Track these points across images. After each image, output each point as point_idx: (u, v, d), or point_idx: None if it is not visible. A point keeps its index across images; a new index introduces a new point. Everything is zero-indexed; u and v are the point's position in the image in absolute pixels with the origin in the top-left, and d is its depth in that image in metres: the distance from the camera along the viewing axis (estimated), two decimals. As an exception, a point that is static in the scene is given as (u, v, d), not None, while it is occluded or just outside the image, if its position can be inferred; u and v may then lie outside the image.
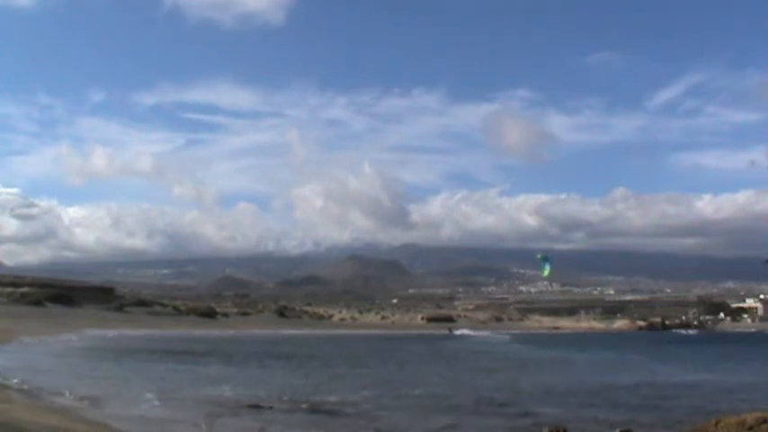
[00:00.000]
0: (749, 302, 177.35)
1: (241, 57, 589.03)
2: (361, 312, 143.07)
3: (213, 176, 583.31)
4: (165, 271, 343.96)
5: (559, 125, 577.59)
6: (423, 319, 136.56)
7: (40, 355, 38.70)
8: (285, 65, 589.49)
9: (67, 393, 21.12)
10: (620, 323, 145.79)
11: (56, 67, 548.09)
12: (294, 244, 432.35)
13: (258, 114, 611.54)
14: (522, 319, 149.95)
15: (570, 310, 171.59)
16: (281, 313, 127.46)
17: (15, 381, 23.20)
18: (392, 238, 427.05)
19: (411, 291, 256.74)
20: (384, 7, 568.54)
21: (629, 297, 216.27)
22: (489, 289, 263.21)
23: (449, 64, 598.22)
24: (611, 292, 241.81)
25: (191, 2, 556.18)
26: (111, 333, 65.97)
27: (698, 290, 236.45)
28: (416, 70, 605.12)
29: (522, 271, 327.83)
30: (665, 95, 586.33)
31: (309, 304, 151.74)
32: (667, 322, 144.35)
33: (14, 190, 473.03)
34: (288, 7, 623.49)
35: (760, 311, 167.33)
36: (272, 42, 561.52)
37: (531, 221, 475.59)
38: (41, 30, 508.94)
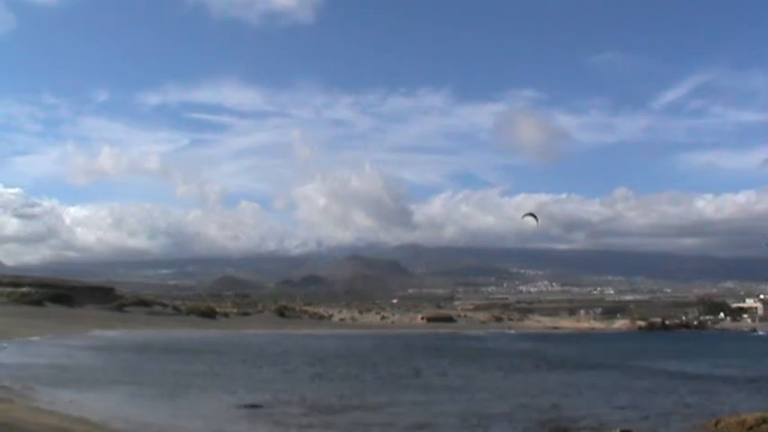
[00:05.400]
0: (749, 302, 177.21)
1: (247, 56, 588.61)
2: (360, 312, 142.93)
3: (217, 176, 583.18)
4: (165, 271, 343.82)
5: (565, 125, 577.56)
6: (423, 319, 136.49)
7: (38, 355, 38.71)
8: (291, 64, 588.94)
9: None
10: (620, 323, 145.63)
11: (60, 67, 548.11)
12: (296, 244, 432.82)
13: (263, 114, 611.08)
14: (521, 319, 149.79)
15: (570, 310, 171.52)
16: (281, 313, 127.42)
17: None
18: (394, 238, 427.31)
19: (411, 291, 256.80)
20: (389, 7, 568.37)
21: (629, 297, 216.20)
22: (489, 289, 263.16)
23: (454, 64, 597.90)
24: (611, 292, 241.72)
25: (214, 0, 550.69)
26: (111, 333, 65.97)
27: (698, 290, 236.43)
28: (422, 70, 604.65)
29: (522, 271, 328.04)
30: (670, 95, 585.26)
31: (309, 304, 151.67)
32: (667, 322, 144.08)
33: (16, 190, 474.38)
34: (317, 7, 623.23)
35: (760, 311, 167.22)
36: (280, 42, 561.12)
37: (532, 221, 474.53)
38: (45, 29, 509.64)
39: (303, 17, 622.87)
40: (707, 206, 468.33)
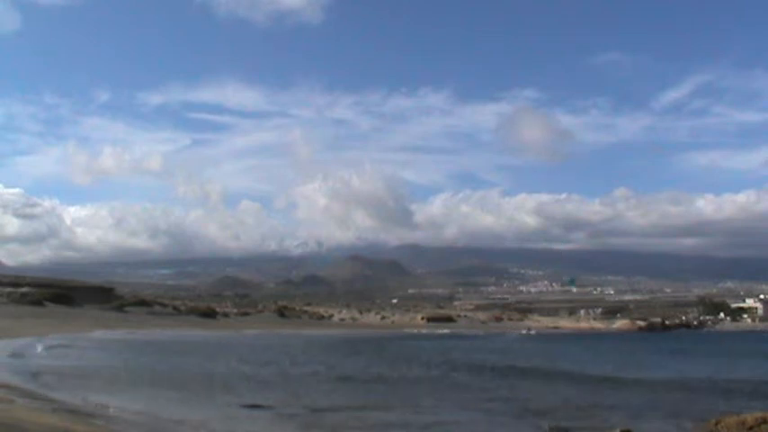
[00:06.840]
0: (749, 302, 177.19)
1: (249, 56, 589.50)
2: (361, 312, 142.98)
3: (218, 176, 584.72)
4: (165, 271, 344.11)
5: (566, 125, 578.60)
6: (423, 319, 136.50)
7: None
8: (292, 64, 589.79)
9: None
10: (620, 323, 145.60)
11: (62, 67, 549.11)
12: (297, 243, 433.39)
13: (264, 114, 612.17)
14: (521, 319, 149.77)
15: (570, 310, 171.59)
16: (281, 313, 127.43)
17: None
18: (395, 238, 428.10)
19: (411, 291, 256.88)
20: (391, 7, 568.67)
21: (629, 297, 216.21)
22: (489, 289, 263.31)
23: (456, 64, 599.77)
24: (611, 292, 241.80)
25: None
26: (111, 333, 65.90)
27: (698, 290, 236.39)
28: (423, 70, 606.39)
29: (522, 271, 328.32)
30: (671, 95, 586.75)
31: (309, 304, 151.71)
32: (667, 322, 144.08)
33: (17, 190, 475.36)
34: (325, 7, 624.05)
35: (760, 311, 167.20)
36: (283, 42, 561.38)
37: (532, 221, 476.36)
38: (48, 28, 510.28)
39: (311, 17, 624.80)
40: (707, 206, 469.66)
